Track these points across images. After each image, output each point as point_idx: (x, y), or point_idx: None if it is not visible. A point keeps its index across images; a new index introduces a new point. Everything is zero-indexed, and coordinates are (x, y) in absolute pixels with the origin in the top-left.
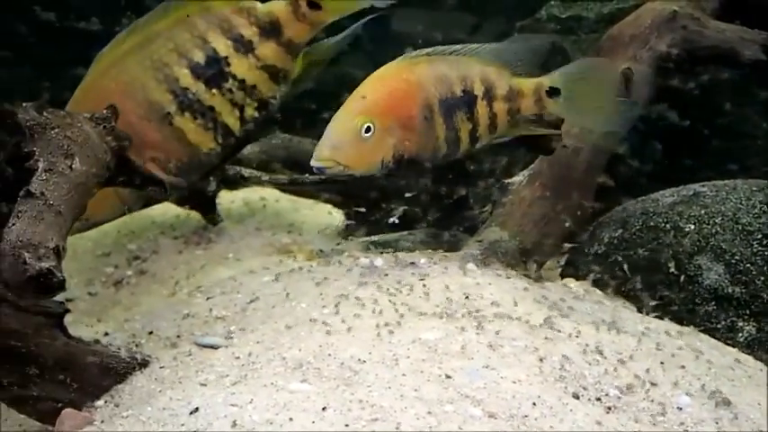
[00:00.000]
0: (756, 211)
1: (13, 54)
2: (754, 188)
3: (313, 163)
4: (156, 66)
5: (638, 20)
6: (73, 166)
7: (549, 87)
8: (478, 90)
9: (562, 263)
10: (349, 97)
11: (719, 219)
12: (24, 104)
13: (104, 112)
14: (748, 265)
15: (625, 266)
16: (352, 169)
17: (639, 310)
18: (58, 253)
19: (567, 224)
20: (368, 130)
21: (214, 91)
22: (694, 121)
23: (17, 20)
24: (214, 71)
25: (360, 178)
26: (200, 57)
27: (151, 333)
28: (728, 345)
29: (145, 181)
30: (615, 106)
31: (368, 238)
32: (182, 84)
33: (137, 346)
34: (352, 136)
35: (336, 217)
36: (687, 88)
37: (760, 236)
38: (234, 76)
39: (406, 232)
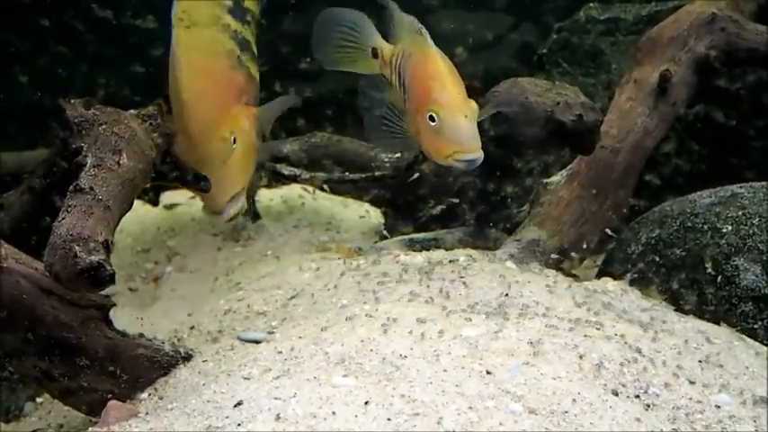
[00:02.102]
0: None
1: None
2: None
3: (469, 156)
4: (215, 21)
5: (677, 22)
6: (120, 161)
7: None
8: None
9: (599, 262)
10: (440, 85)
11: (757, 220)
12: (72, 101)
13: (150, 109)
14: None
15: (662, 266)
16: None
17: (677, 310)
18: (107, 247)
19: (605, 224)
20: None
21: (245, 26)
22: (737, 122)
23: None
24: (240, 9)
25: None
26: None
27: (192, 328)
28: (765, 345)
29: (187, 177)
30: None
31: (406, 236)
32: (233, 27)
33: (179, 340)
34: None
35: (374, 215)
36: (730, 89)
37: None
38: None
39: (444, 231)
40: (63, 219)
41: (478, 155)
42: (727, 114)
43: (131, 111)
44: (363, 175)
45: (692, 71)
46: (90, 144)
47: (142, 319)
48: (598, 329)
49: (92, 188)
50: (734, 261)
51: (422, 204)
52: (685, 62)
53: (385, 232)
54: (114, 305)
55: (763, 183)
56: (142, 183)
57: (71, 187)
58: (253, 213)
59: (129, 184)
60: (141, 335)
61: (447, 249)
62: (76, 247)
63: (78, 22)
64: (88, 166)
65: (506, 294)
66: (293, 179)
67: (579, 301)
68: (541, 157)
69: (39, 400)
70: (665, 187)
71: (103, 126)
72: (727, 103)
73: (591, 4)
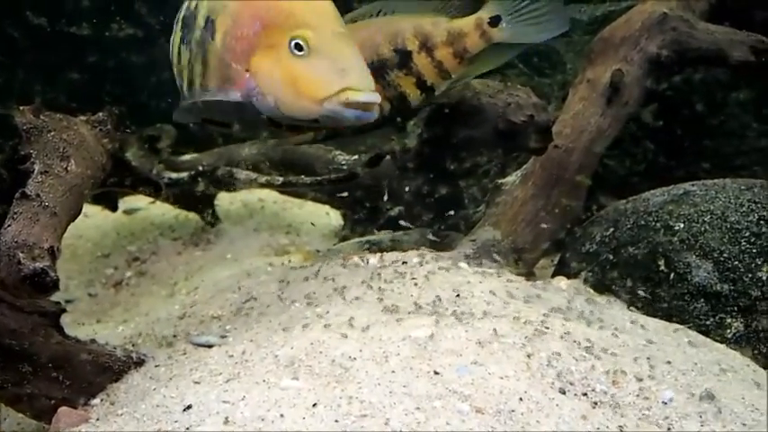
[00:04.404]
0: (744, 209)
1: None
2: (743, 187)
3: (365, 97)
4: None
5: (629, 22)
6: (68, 168)
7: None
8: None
9: (556, 262)
10: None
11: (708, 217)
12: (21, 108)
13: (101, 115)
14: (736, 262)
15: (616, 264)
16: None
17: (630, 308)
18: (53, 253)
19: (559, 223)
20: None
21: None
22: (687, 122)
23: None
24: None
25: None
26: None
27: (149, 333)
28: (717, 341)
29: (141, 182)
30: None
31: (364, 239)
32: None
33: (133, 345)
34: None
35: (334, 217)
36: (679, 88)
37: (748, 234)
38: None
39: (401, 232)
40: (9, 226)
41: (375, 96)
42: (683, 113)
43: (81, 117)
44: (320, 178)
45: (644, 71)
46: (38, 151)
47: (100, 323)
48: (547, 328)
49: (38, 195)
50: (686, 258)
51: (381, 206)
52: (637, 62)
53: (344, 235)
54: (65, 311)
55: (716, 180)
56: (92, 189)
57: (17, 194)
58: (213, 217)
59: (77, 190)
60: (93, 340)
61: (404, 251)
62: (20, 254)
63: (13, 30)
64: (35, 172)
65: (458, 295)
66: (250, 183)
67: (530, 301)
68: (490, 158)
69: None
70: (619, 186)
71: (52, 133)
72: (682, 101)
73: None
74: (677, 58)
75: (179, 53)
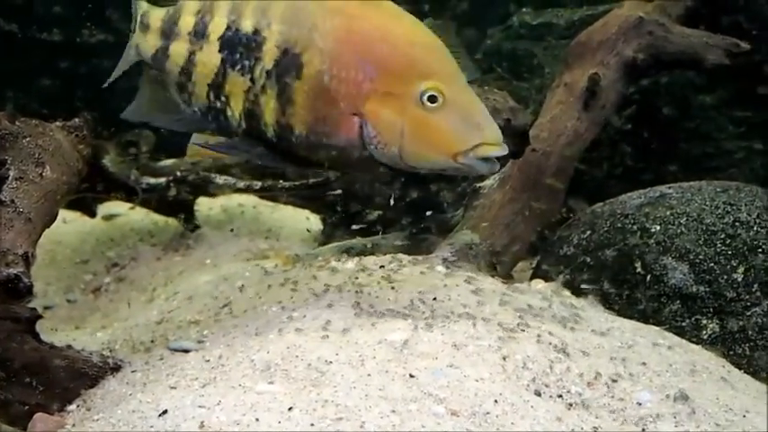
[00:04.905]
0: (720, 211)
1: None
2: (719, 189)
3: (497, 151)
4: None
5: (606, 26)
6: (44, 174)
7: None
8: None
9: (533, 265)
10: (428, 46)
11: (684, 219)
12: None
13: (77, 120)
14: (712, 264)
15: (593, 267)
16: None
17: (606, 310)
18: (27, 259)
19: (537, 227)
20: None
21: None
22: (663, 125)
23: None
24: None
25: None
26: None
27: (126, 339)
28: (693, 342)
29: (117, 188)
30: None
31: (342, 243)
32: None
33: (111, 351)
34: None
35: (314, 222)
36: (655, 91)
37: (723, 236)
38: None
39: (379, 236)
40: None
41: (506, 149)
42: (658, 117)
43: (57, 122)
44: (297, 183)
45: (621, 74)
46: (13, 157)
47: (78, 329)
48: (523, 331)
49: (13, 201)
50: (662, 260)
51: (360, 210)
52: (614, 65)
53: (324, 239)
54: (40, 317)
55: (692, 183)
56: (67, 194)
57: None
58: (192, 223)
59: (52, 196)
60: (69, 346)
61: (382, 254)
62: None
63: None
64: (10, 178)
65: (434, 298)
66: (229, 188)
67: (506, 304)
68: None
69: None
70: (597, 189)
71: (27, 139)
72: (658, 105)
73: (524, 10)
74: (653, 62)
75: (221, 76)
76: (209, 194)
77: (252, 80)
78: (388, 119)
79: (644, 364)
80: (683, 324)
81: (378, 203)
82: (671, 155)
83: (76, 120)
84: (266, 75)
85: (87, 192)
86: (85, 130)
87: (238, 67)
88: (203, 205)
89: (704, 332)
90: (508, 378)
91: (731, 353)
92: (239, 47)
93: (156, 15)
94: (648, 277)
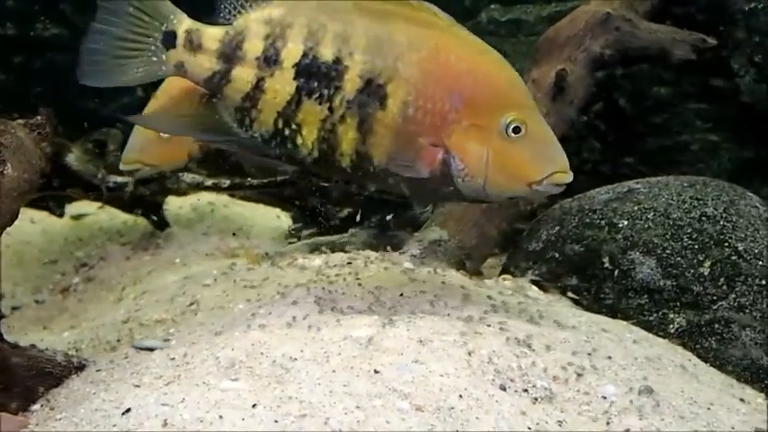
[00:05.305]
0: (687, 206)
1: None
2: (686, 184)
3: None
4: None
5: (574, 22)
6: (5, 172)
7: None
8: None
9: (503, 261)
10: (510, 79)
11: (651, 214)
12: None
13: (39, 118)
14: (679, 258)
15: (562, 262)
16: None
17: (574, 305)
18: None
19: (506, 223)
20: None
21: None
22: (630, 120)
23: None
24: None
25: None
26: None
27: (92, 338)
28: (660, 336)
29: (80, 186)
30: None
31: (311, 240)
32: None
33: (77, 350)
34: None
35: (284, 220)
36: (621, 86)
37: (690, 230)
38: None
39: (348, 233)
40: None
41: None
42: (625, 112)
43: (20, 120)
44: (266, 181)
45: (588, 70)
46: None
47: (46, 330)
48: (489, 326)
49: None
50: (629, 255)
51: (330, 208)
52: (581, 61)
53: (294, 237)
54: (3, 317)
55: (659, 178)
56: (29, 193)
57: None
58: (162, 222)
59: (13, 194)
60: (33, 345)
61: (350, 251)
62: None
63: None
64: None
65: (401, 294)
66: (197, 186)
67: (474, 299)
68: None
69: None
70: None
71: None
72: (625, 100)
73: (492, 6)
74: (621, 58)
75: (294, 103)
76: (178, 193)
77: (330, 109)
78: (475, 151)
79: (609, 357)
80: (651, 318)
81: (348, 201)
82: (637, 150)
83: (39, 117)
84: (347, 104)
85: (50, 190)
86: (48, 128)
87: (315, 95)
88: (173, 204)
89: (671, 326)
90: (473, 373)
91: (698, 346)
92: (317, 75)
93: (211, 35)
94: (616, 272)
